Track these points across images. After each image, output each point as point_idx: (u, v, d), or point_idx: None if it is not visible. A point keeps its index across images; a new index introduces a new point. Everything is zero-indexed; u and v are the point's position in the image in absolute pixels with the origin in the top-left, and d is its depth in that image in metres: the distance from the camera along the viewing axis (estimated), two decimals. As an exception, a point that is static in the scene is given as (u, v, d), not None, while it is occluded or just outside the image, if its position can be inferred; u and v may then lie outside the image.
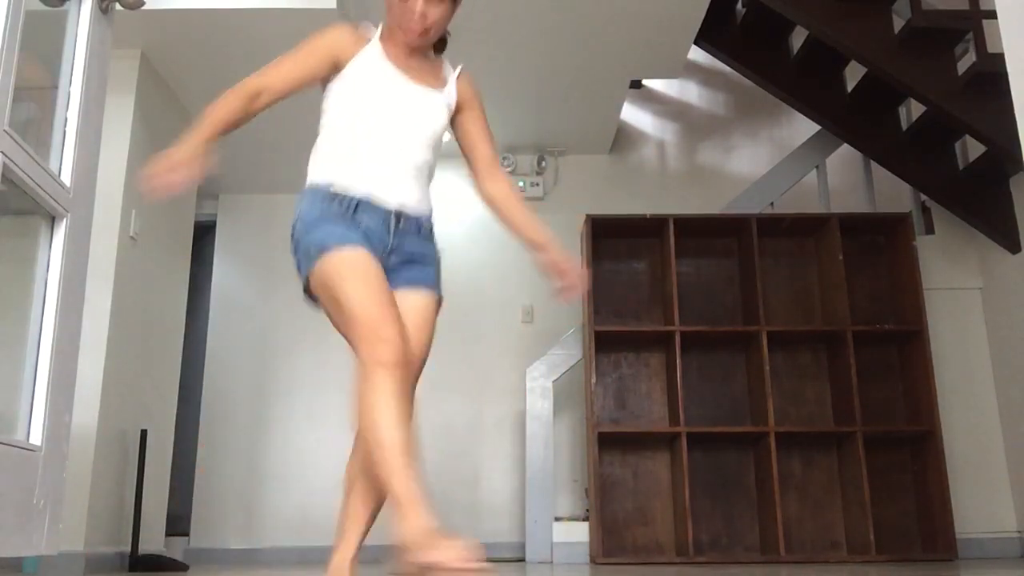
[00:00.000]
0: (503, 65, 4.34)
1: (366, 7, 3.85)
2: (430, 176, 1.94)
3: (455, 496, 4.82)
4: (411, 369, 1.73)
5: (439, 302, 1.91)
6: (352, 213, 1.75)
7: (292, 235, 1.79)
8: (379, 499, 1.91)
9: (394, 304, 1.69)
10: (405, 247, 1.82)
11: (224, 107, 1.75)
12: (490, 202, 2.02)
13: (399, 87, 1.84)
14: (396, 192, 1.81)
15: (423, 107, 1.86)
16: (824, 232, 4.40)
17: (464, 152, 2.01)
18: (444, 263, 1.95)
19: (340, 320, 1.71)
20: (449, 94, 1.91)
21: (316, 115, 1.91)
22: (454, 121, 1.97)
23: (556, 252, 1.93)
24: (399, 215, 1.81)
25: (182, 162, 1.63)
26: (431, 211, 1.93)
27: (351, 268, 1.68)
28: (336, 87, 1.84)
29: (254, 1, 3.53)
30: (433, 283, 1.88)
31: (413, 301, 1.82)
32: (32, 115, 1.95)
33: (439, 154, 1.97)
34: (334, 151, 1.82)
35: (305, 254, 1.74)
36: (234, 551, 4.76)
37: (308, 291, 1.79)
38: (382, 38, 1.88)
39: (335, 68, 1.84)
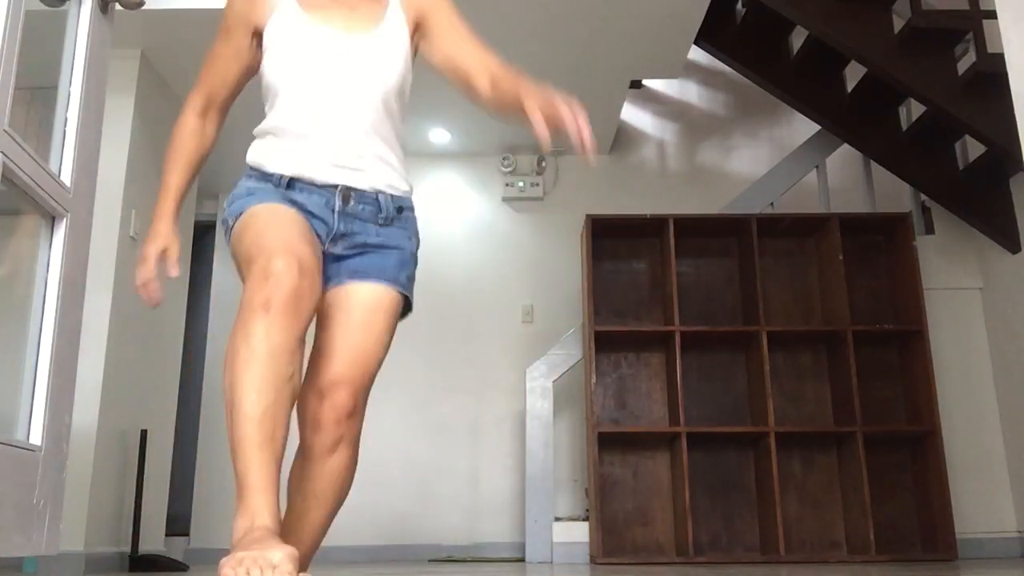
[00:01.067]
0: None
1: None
2: (396, 141, 1.59)
3: (455, 496, 4.82)
4: (301, 324, 1.32)
5: (400, 303, 1.53)
6: (285, 189, 1.49)
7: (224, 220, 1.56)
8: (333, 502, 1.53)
9: (303, 242, 1.37)
10: (357, 233, 1.51)
11: (178, 155, 1.59)
12: (499, 107, 1.55)
13: (325, 41, 1.51)
14: (341, 167, 1.50)
15: (362, 58, 1.52)
16: (824, 232, 4.40)
17: (450, 73, 1.61)
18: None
19: (240, 273, 1.44)
20: (394, 24, 1.57)
21: None
22: (420, 45, 1.62)
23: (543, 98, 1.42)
24: (347, 193, 1.50)
25: (153, 265, 1.55)
26: (403, 189, 1.57)
27: (257, 217, 1.43)
28: (263, 61, 1.56)
29: (254, 1, 3.53)
30: (391, 276, 1.52)
31: (359, 296, 1.49)
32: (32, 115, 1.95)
33: (406, 111, 1.64)
34: (265, 130, 1.56)
35: (225, 227, 1.54)
36: (234, 551, 4.75)
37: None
38: None
39: (259, 38, 1.57)
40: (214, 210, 5.29)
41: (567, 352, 4.46)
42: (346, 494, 1.54)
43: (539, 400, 4.38)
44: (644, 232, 4.50)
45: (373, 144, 1.53)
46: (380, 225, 1.53)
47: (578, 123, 1.36)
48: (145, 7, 2.17)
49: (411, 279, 1.57)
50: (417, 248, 1.60)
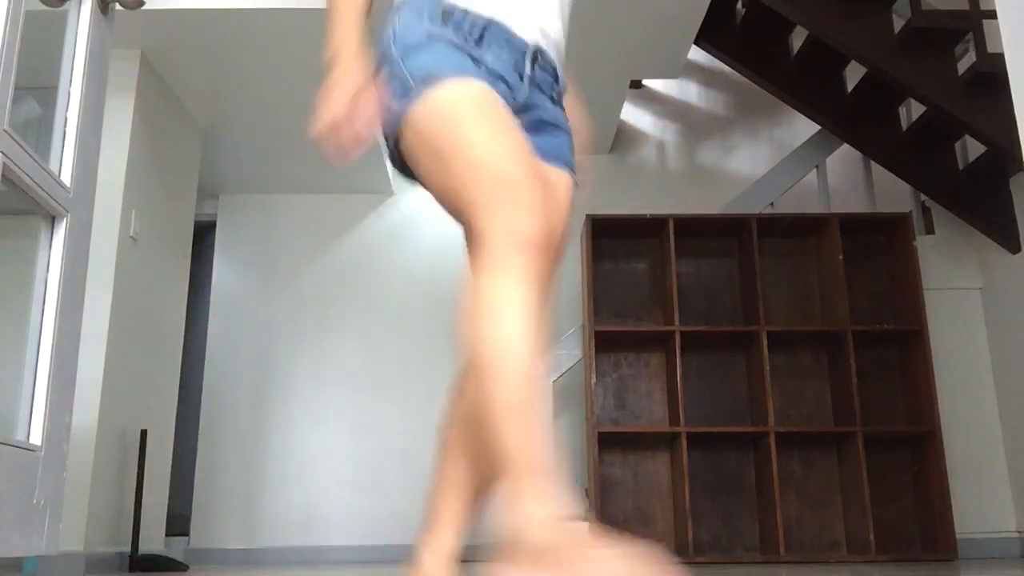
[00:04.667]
0: (503, 65, 4.34)
1: (366, 7, 3.85)
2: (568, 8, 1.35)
3: (455, 496, 4.82)
4: (551, 265, 1.13)
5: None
6: (475, 42, 1.20)
7: (382, 63, 1.25)
8: (490, 466, 1.25)
9: (536, 165, 1.14)
10: (537, 107, 1.26)
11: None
12: None
13: None
14: (537, 19, 1.25)
15: None
16: (824, 232, 4.40)
17: None
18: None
19: (452, 183, 1.13)
20: None
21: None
22: None
23: None
24: (537, 55, 1.25)
25: (351, 104, 1.18)
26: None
27: (476, 106, 1.13)
28: None
29: (254, 1, 3.53)
30: (569, 160, 1.31)
31: (552, 180, 1.27)
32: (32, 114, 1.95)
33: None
34: None
35: (402, 87, 1.18)
36: (234, 551, 4.76)
37: (398, 150, 1.22)
38: None
39: None
40: (214, 210, 5.29)
41: (567, 352, 4.45)
42: None
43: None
44: (644, 232, 4.50)
45: (565, 2, 1.31)
46: (553, 101, 1.30)
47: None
48: (145, 7, 2.17)
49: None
50: None
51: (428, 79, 1.15)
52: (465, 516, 1.27)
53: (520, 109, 1.23)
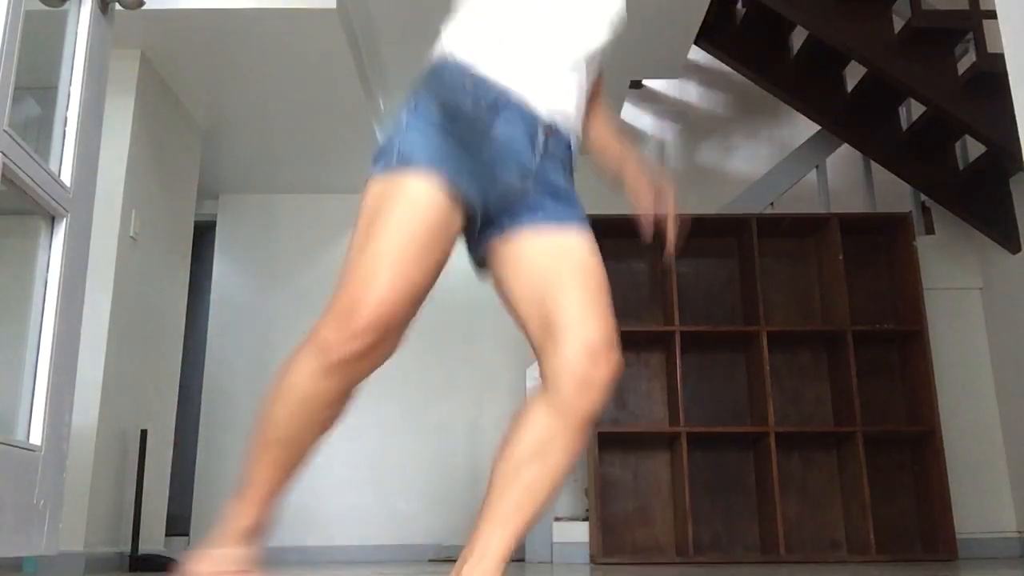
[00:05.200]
0: (503, 65, 4.34)
1: (366, 7, 3.85)
2: (594, 80, 1.38)
3: (455, 496, 4.82)
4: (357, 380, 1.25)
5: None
6: (485, 114, 1.23)
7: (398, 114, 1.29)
8: (551, 485, 1.23)
9: (417, 287, 1.20)
10: (549, 176, 1.30)
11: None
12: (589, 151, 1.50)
13: None
14: (553, 94, 1.27)
15: None
16: (824, 232, 4.39)
17: None
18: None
19: (347, 254, 1.23)
20: None
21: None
22: None
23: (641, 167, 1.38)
24: (550, 130, 1.28)
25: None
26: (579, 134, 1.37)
27: (403, 207, 1.18)
28: None
29: (254, 1, 3.53)
30: (584, 219, 1.36)
31: (572, 243, 1.30)
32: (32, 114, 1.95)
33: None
34: (483, 13, 1.29)
35: (386, 149, 1.26)
36: (234, 551, 4.75)
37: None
38: None
39: None
40: (214, 210, 5.29)
41: (567, 352, 4.45)
42: None
43: (539, 400, 4.38)
44: (644, 232, 4.49)
45: (585, 76, 1.32)
46: (565, 170, 1.33)
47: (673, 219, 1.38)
48: (145, 7, 2.17)
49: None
50: None
51: (398, 158, 1.22)
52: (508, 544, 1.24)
53: (533, 178, 1.28)
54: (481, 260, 1.36)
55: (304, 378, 1.23)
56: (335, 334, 1.17)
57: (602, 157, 1.53)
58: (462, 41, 1.30)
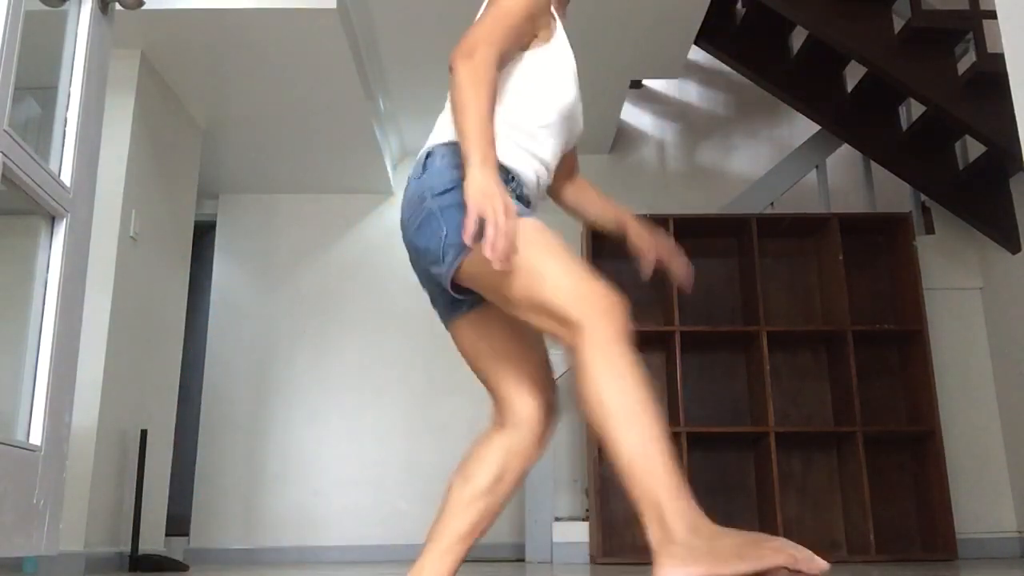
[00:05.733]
0: (503, 65, 4.34)
1: (366, 7, 3.85)
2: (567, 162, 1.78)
3: (455, 496, 4.82)
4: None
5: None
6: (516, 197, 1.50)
7: (437, 186, 1.43)
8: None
9: None
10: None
11: (489, 104, 1.36)
12: (575, 210, 1.84)
13: (575, 71, 1.56)
14: (537, 204, 1.59)
15: (581, 116, 1.64)
16: (824, 232, 4.40)
17: None
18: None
19: (537, 291, 1.33)
20: None
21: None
22: None
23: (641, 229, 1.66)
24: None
25: (509, 216, 1.29)
26: None
27: (551, 237, 1.38)
28: (541, 56, 1.52)
29: (254, 1, 3.53)
30: None
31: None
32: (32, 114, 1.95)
33: None
34: (521, 130, 1.49)
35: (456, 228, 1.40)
36: (234, 551, 4.76)
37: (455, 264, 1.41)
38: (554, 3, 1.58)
39: (532, 32, 1.52)
40: (214, 210, 5.29)
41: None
42: None
43: (539, 400, 4.38)
44: (644, 232, 4.49)
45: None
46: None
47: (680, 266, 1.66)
48: (145, 7, 2.17)
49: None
50: None
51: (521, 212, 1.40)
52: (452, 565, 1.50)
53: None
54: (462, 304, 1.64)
55: (625, 362, 1.36)
56: (618, 319, 1.37)
57: (600, 219, 1.79)
58: (506, 150, 1.48)
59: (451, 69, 1.38)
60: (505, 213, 1.26)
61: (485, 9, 1.48)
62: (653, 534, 1.18)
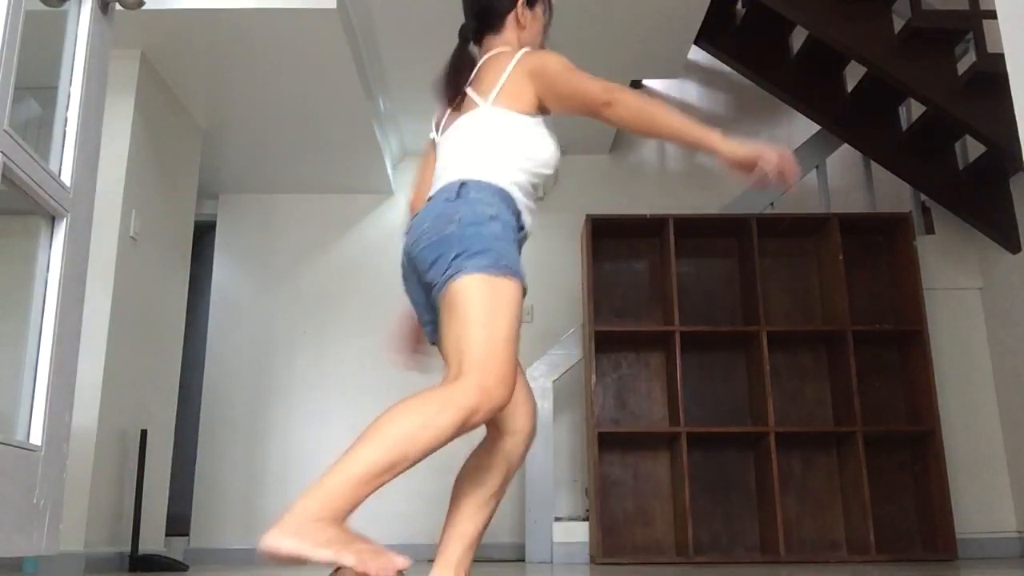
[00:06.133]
0: (503, 65, 4.34)
1: (366, 7, 3.85)
2: None
3: (455, 496, 4.82)
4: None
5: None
6: (517, 233, 1.74)
7: (468, 217, 1.61)
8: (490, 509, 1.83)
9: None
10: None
11: (663, 107, 1.70)
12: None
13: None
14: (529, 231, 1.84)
15: None
16: (824, 232, 4.40)
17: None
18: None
19: (480, 337, 1.56)
20: None
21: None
22: None
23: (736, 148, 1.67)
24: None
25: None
26: None
27: (517, 312, 1.61)
28: (543, 121, 1.86)
29: (254, 1, 3.53)
30: None
31: None
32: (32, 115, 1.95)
33: None
34: (529, 172, 1.76)
35: (496, 256, 1.58)
36: (234, 551, 4.76)
37: (442, 281, 1.62)
38: None
39: None
40: (214, 210, 5.29)
41: (567, 352, 4.45)
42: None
43: (539, 400, 4.38)
44: (644, 232, 4.50)
45: None
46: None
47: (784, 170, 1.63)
48: (145, 7, 2.17)
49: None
50: None
51: (513, 272, 1.60)
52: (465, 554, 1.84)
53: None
54: None
55: (446, 427, 1.59)
56: (485, 402, 1.54)
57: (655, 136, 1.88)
58: (518, 189, 1.72)
59: (607, 105, 1.73)
60: (779, 150, 1.57)
61: (556, 73, 1.86)
62: (302, 502, 1.43)
